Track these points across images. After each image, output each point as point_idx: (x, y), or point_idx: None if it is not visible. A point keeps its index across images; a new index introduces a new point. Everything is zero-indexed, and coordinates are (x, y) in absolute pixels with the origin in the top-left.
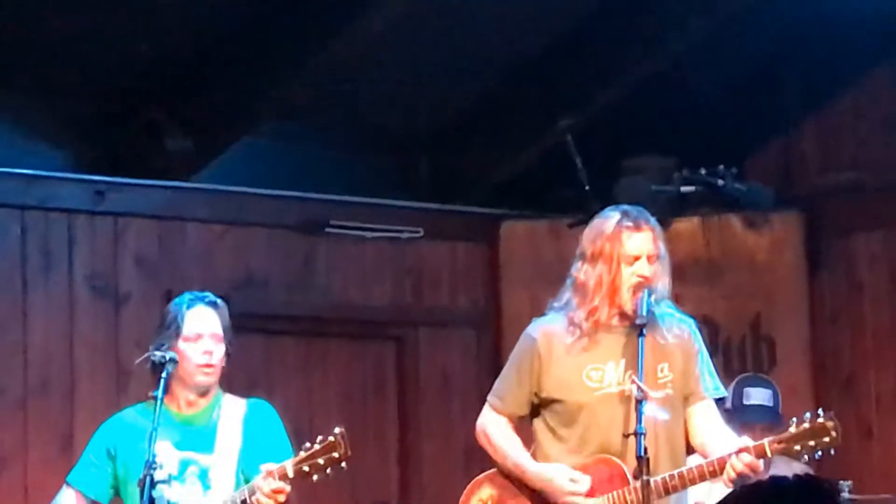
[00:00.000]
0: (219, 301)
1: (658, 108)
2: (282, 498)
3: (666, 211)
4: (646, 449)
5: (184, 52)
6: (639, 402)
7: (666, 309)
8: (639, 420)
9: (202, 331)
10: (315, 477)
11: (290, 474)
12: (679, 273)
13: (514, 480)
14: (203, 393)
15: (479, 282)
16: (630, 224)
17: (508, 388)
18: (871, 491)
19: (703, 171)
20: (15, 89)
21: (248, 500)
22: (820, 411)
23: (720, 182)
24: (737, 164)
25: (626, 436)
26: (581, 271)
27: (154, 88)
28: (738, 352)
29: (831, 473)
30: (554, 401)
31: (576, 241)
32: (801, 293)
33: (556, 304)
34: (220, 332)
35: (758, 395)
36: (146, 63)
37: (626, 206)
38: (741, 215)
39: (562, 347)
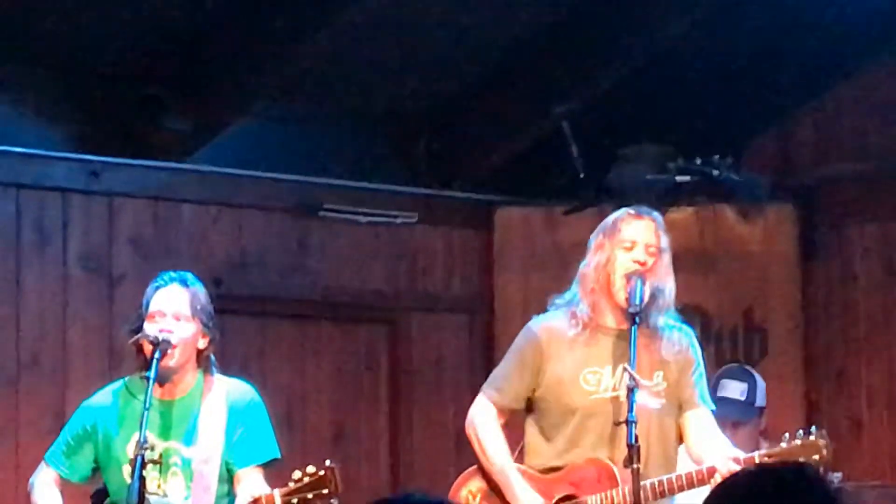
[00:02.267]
0: (191, 280)
1: (654, 96)
2: None
3: (660, 200)
4: (636, 437)
5: (181, 33)
6: (630, 390)
7: (668, 320)
8: (630, 408)
9: (165, 309)
10: None
11: None
12: (673, 263)
13: None
14: (172, 376)
15: (473, 267)
16: (631, 212)
17: (508, 381)
18: (860, 482)
19: (698, 161)
20: (11, 66)
21: None
22: (812, 428)
23: (715, 172)
24: (732, 154)
25: (616, 423)
26: (584, 266)
27: (151, 68)
28: (729, 342)
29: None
30: (549, 400)
31: (570, 228)
32: (794, 284)
33: (557, 301)
34: (185, 312)
35: (730, 388)
36: (144, 43)
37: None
38: (736, 206)
39: (563, 344)
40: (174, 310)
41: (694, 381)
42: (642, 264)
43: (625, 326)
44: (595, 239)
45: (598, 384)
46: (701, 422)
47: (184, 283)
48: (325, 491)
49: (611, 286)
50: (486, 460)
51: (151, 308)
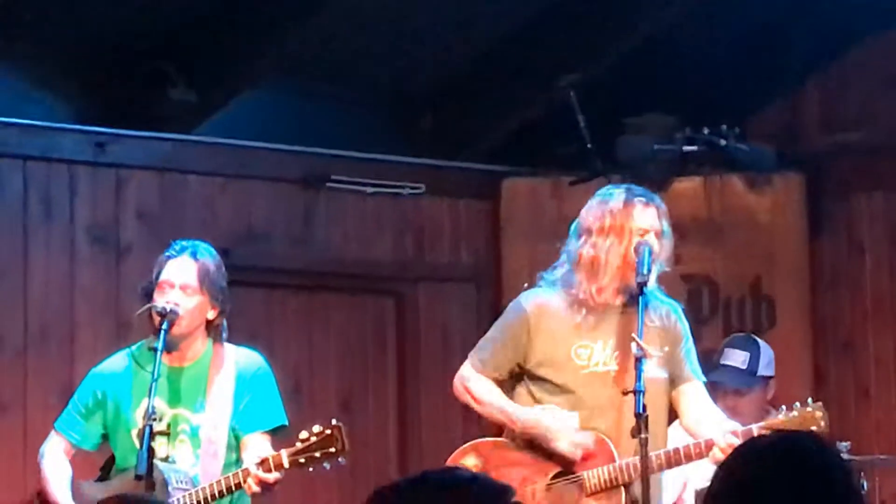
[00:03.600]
0: (201, 251)
1: (661, 66)
2: (274, 486)
3: (667, 170)
4: (644, 406)
5: (188, 5)
6: (638, 359)
7: (656, 293)
8: (638, 378)
9: (173, 280)
10: (311, 468)
11: (286, 465)
12: (680, 232)
13: (499, 450)
14: (179, 343)
15: (479, 238)
16: (642, 198)
17: (492, 353)
18: (868, 451)
19: (705, 131)
20: (17, 39)
21: (241, 483)
22: (809, 400)
23: (722, 142)
24: (739, 124)
25: (625, 393)
26: (586, 247)
27: (158, 40)
28: (737, 312)
29: (829, 435)
30: (540, 373)
31: (577, 199)
32: (801, 254)
33: (548, 278)
34: (192, 283)
35: (733, 357)
36: (150, 15)
37: (624, 185)
38: (743, 175)
39: (554, 323)
40: (182, 281)
41: (684, 355)
42: (657, 253)
43: (616, 301)
44: (599, 220)
45: (590, 358)
46: (695, 395)
47: (194, 254)
48: (333, 450)
49: (627, 270)
50: (486, 406)
51: (161, 278)
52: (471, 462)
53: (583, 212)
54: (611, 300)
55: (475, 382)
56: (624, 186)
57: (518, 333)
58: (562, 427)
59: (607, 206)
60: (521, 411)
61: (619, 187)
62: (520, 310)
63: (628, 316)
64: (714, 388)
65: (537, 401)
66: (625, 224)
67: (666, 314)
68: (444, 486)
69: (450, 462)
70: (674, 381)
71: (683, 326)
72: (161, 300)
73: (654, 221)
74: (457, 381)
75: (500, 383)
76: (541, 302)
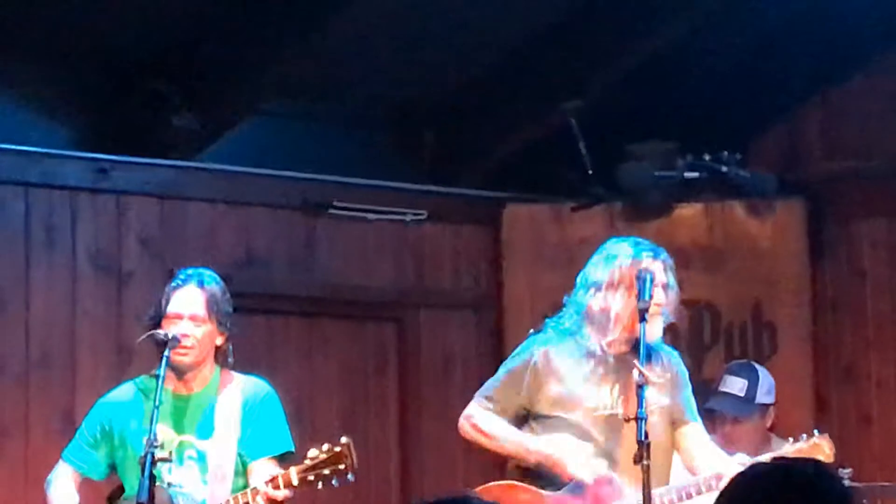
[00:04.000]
0: (207, 279)
1: (662, 92)
2: None
3: (669, 196)
4: (646, 434)
5: (189, 30)
6: (640, 386)
7: (658, 345)
8: (640, 404)
9: (181, 311)
10: (320, 486)
11: (295, 482)
12: (682, 259)
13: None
14: (187, 373)
15: (481, 264)
16: (650, 252)
17: (497, 394)
18: (870, 478)
19: (707, 157)
20: (19, 64)
21: (250, 503)
22: (816, 431)
23: (724, 168)
24: (741, 150)
25: (626, 420)
26: (596, 300)
27: (160, 66)
28: (739, 338)
29: (831, 462)
30: (549, 416)
31: (578, 225)
32: (803, 280)
33: (556, 326)
34: (200, 313)
35: (731, 384)
36: (152, 40)
37: (631, 238)
38: (744, 202)
39: (563, 370)
40: (191, 312)
41: (684, 400)
42: (662, 305)
43: (621, 350)
44: (609, 273)
45: (599, 402)
46: (695, 435)
47: (200, 283)
48: (342, 466)
49: (636, 323)
50: (498, 441)
51: (169, 310)
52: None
53: (590, 264)
54: (619, 350)
55: (482, 419)
56: (631, 240)
57: (524, 377)
58: (578, 452)
59: (616, 260)
60: (536, 440)
61: (626, 240)
62: (527, 355)
63: (630, 363)
64: (711, 416)
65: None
66: (633, 278)
67: (667, 362)
68: None
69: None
70: (675, 424)
71: (682, 372)
72: (172, 330)
73: (660, 275)
74: (463, 420)
75: None
76: (548, 349)
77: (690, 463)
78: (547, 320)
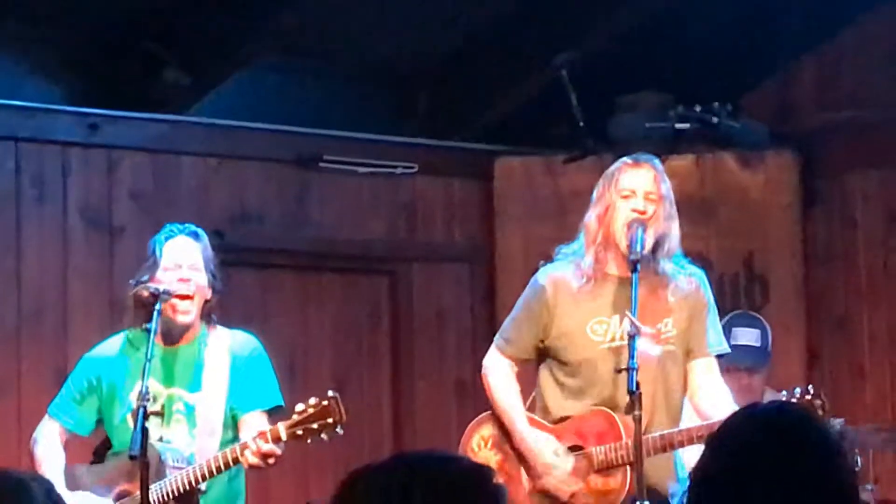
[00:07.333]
0: (200, 233)
1: (654, 44)
2: (272, 460)
3: (660, 148)
4: (638, 384)
5: None
6: (631, 336)
7: (676, 265)
8: (631, 355)
9: (180, 260)
10: (309, 440)
11: (284, 437)
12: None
13: None
14: (185, 326)
15: (473, 217)
16: (629, 161)
17: (516, 332)
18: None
19: (697, 109)
20: (9, 20)
21: (238, 458)
22: (810, 387)
23: (715, 120)
24: (732, 102)
25: (617, 371)
26: (587, 216)
27: (151, 21)
28: (731, 290)
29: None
30: (558, 350)
31: (570, 177)
32: (794, 232)
33: (564, 251)
34: (199, 262)
35: (745, 336)
36: None
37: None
38: (736, 153)
39: (569, 296)
40: (190, 261)
41: (707, 324)
42: (641, 213)
43: (629, 275)
44: (596, 189)
45: (605, 334)
46: (706, 373)
47: (195, 235)
48: (330, 420)
49: (613, 235)
50: (499, 410)
51: (166, 260)
52: (487, 432)
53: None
54: (620, 272)
55: (494, 375)
56: (632, 155)
57: (538, 310)
58: (556, 465)
59: (604, 174)
60: (526, 431)
61: (628, 156)
62: (537, 286)
63: (642, 287)
64: (728, 370)
65: (560, 384)
66: (612, 186)
67: (686, 283)
68: (419, 469)
69: (468, 430)
70: (689, 353)
71: (706, 294)
72: (171, 280)
73: (641, 182)
74: (483, 371)
75: (525, 363)
76: (556, 276)
77: (692, 399)
78: (559, 248)
